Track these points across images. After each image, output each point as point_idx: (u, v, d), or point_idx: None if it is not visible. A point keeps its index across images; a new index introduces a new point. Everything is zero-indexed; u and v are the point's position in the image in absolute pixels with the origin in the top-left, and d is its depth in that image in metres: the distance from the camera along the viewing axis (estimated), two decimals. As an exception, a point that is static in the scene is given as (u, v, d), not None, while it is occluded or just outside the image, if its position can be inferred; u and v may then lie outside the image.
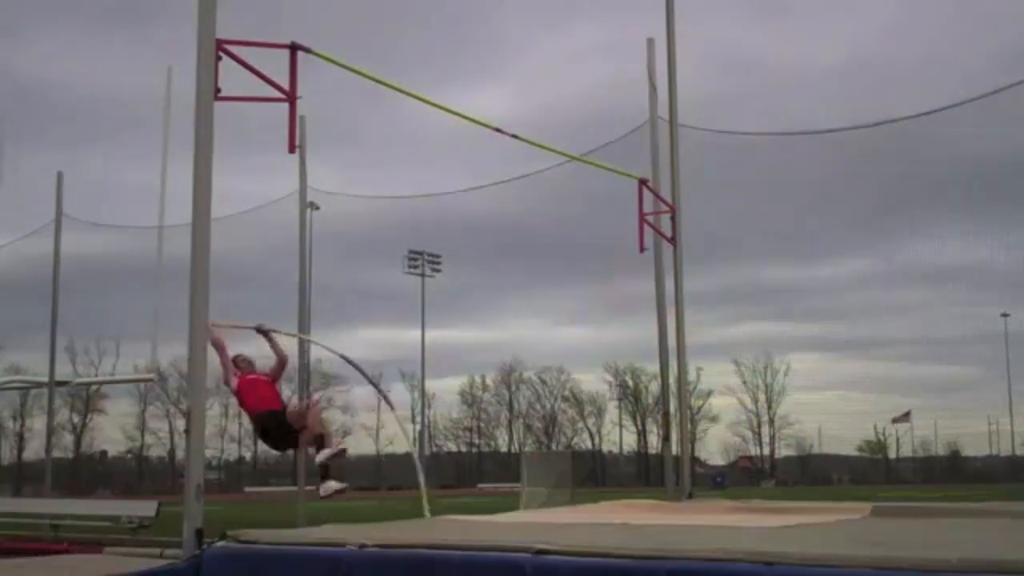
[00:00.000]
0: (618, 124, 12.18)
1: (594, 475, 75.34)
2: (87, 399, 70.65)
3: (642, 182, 10.72)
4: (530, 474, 23.79)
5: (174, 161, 17.35)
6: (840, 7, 75.93)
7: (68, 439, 71.36)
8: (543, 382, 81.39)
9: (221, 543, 5.59)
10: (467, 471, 79.53)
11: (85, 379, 57.10)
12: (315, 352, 21.06)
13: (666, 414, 11.76)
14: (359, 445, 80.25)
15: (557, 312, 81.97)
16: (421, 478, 8.74)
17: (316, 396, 7.75)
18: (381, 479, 75.68)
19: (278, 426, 7.70)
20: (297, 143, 7.06)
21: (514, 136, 8.66)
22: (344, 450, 7.94)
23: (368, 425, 78.97)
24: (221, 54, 6.29)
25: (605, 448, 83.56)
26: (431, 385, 72.64)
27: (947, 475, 70.76)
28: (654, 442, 75.65)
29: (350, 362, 9.59)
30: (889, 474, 78.36)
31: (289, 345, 9.20)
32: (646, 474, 74.48)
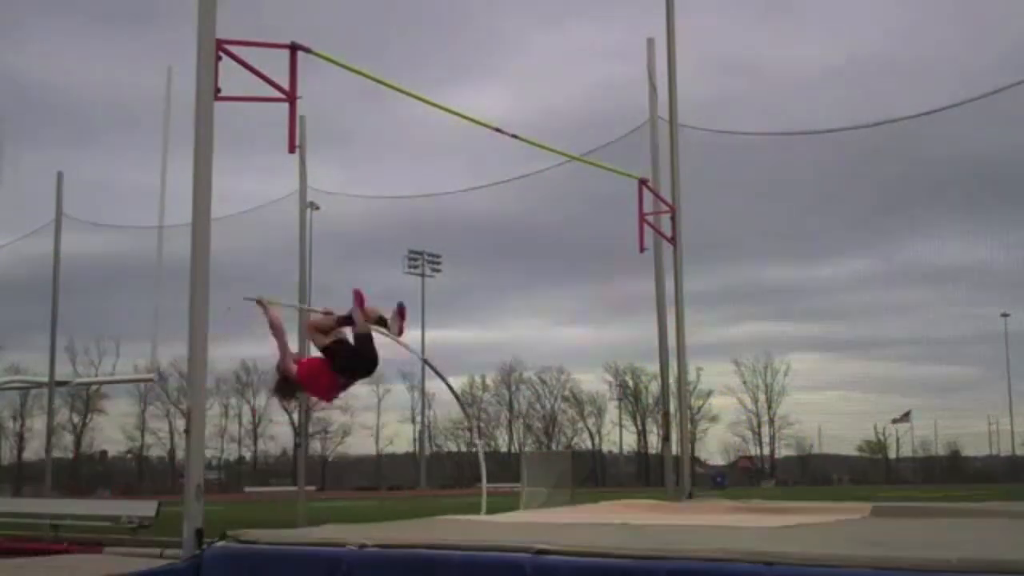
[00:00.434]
0: (618, 124, 12.20)
1: (594, 475, 75.33)
2: (87, 399, 70.64)
3: (642, 182, 10.72)
4: (530, 474, 23.80)
5: (174, 161, 17.37)
6: (840, 7, 75.93)
7: (68, 439, 71.36)
8: (543, 382, 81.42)
9: (221, 543, 5.60)
10: (467, 471, 79.57)
11: (85, 379, 57.09)
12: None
13: (666, 414, 11.76)
14: (359, 445, 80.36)
15: (557, 312, 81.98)
16: (483, 474, 8.78)
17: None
18: (381, 479, 75.71)
19: (352, 369, 7.41)
20: (297, 143, 7.06)
21: (514, 136, 8.66)
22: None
23: (368, 425, 79.04)
24: (221, 54, 6.29)
25: (605, 448, 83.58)
26: (431, 385, 72.62)
27: (947, 475, 70.75)
28: (654, 442, 75.66)
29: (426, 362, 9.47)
30: (889, 474, 78.35)
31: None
32: (646, 474, 74.48)
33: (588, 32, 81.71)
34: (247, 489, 65.40)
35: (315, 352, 7.58)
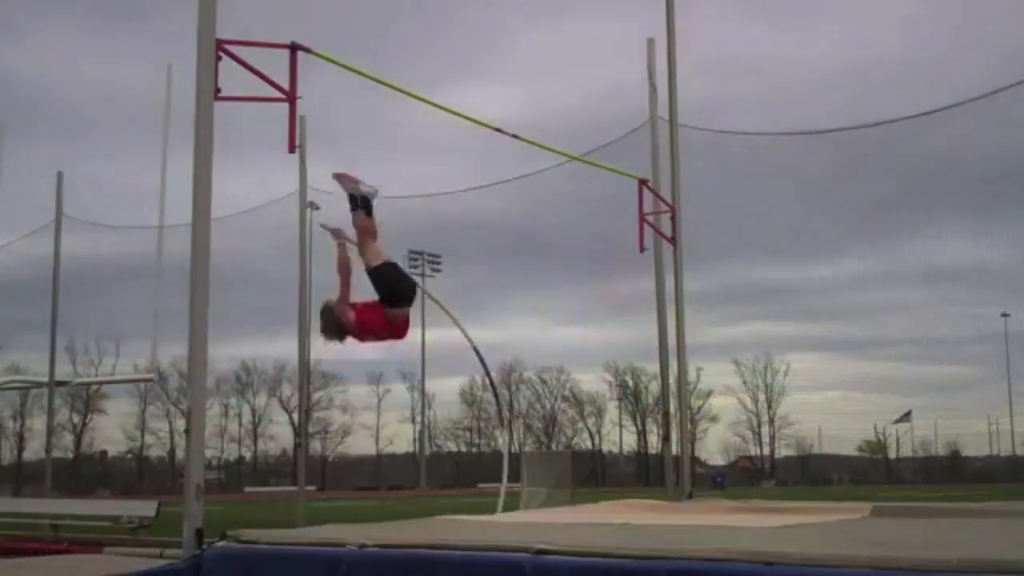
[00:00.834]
0: (618, 124, 12.20)
1: (594, 475, 75.34)
2: (87, 399, 70.68)
3: (642, 182, 10.72)
4: (530, 474, 23.79)
5: (174, 161, 17.37)
6: (841, 7, 75.96)
7: (68, 439, 71.41)
8: (543, 382, 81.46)
9: (221, 543, 5.59)
10: (467, 471, 79.56)
11: (85, 379, 57.13)
12: (314, 352, 21.04)
13: (666, 414, 11.76)
14: (359, 445, 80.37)
15: (557, 312, 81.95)
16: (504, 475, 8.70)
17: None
18: (381, 479, 75.72)
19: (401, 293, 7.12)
20: (297, 143, 7.06)
21: (514, 136, 8.65)
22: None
23: (368, 425, 79.05)
24: (221, 54, 6.29)
25: (605, 448, 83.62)
26: (431, 385, 72.70)
27: (947, 475, 70.77)
28: (654, 442, 75.69)
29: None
30: (889, 474, 78.38)
31: None
32: (646, 474, 74.50)
33: (588, 32, 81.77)
34: (247, 489, 65.42)
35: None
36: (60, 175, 19.96)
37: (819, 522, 6.56)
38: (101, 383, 63.77)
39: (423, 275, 55.74)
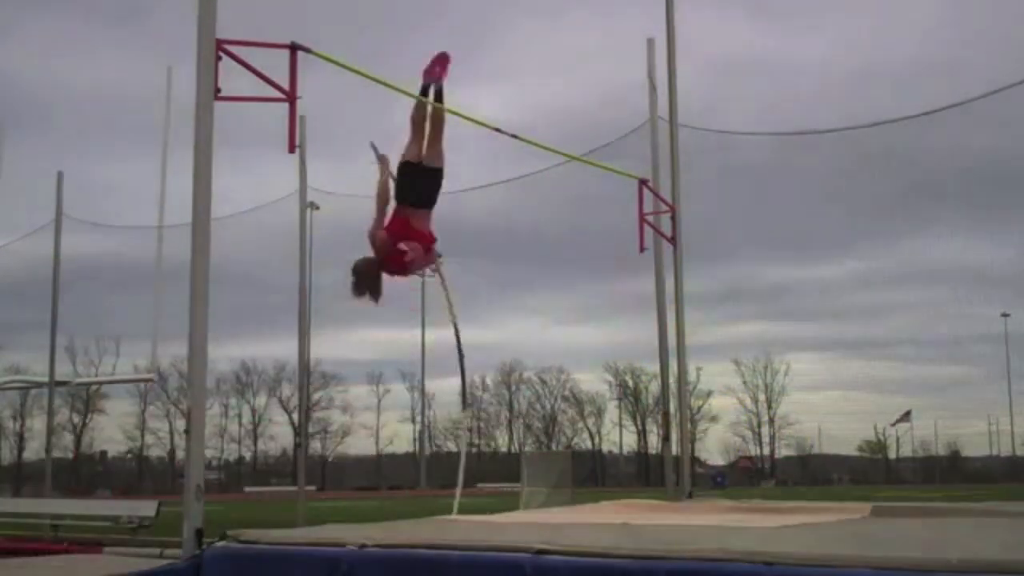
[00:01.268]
0: (618, 124, 12.20)
1: (594, 475, 75.38)
2: (87, 399, 70.71)
3: (642, 182, 10.72)
4: (530, 474, 23.79)
5: (174, 161, 17.37)
6: (841, 7, 75.91)
7: (68, 439, 71.43)
8: (543, 382, 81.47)
9: (221, 543, 5.59)
10: (467, 471, 79.50)
11: (85, 379, 57.19)
12: (314, 352, 21.07)
13: (666, 414, 11.76)
14: (359, 445, 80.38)
15: (557, 312, 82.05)
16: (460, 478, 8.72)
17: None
18: (381, 479, 75.70)
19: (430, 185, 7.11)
20: (297, 143, 7.05)
21: (514, 136, 8.64)
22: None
23: (368, 425, 79.05)
24: (221, 54, 6.29)
25: (605, 448, 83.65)
26: (431, 385, 72.70)
27: (947, 475, 70.82)
28: (654, 442, 75.71)
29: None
30: (889, 474, 78.43)
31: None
32: (646, 474, 74.51)
33: (588, 32, 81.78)
34: (247, 489, 65.42)
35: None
36: (60, 175, 19.97)
37: (819, 522, 6.56)
38: (101, 383, 63.83)
39: (423, 275, 55.70)
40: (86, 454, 75.13)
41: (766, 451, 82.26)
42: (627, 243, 10.75)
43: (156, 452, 77.39)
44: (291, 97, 6.55)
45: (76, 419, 72.12)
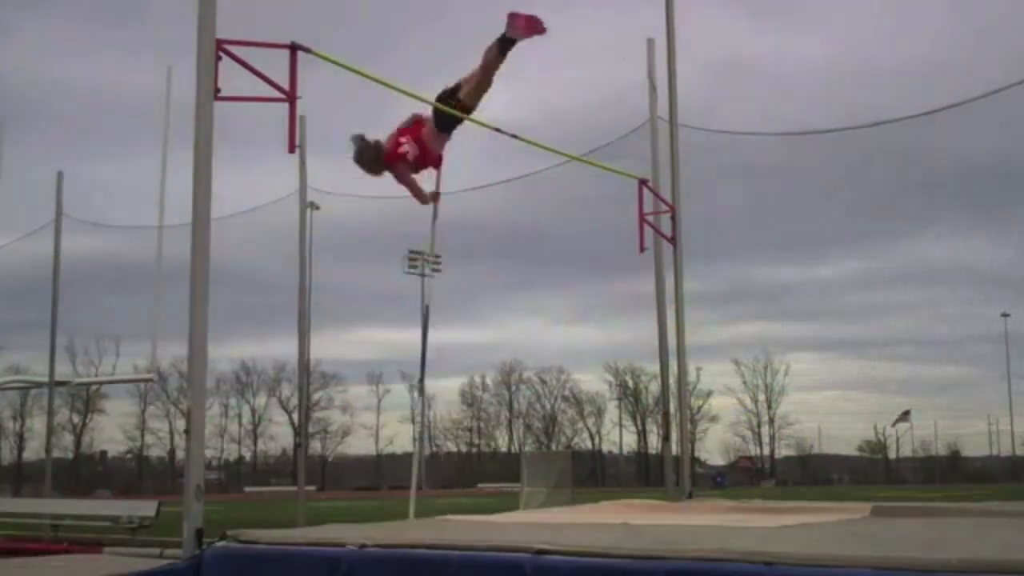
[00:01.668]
0: (618, 124, 12.19)
1: (594, 475, 75.41)
2: (87, 399, 70.76)
3: (642, 182, 10.72)
4: (530, 474, 23.80)
5: (174, 161, 17.37)
6: (841, 7, 75.95)
7: (68, 439, 71.51)
8: (543, 382, 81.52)
9: (221, 543, 5.59)
10: (467, 471, 79.57)
11: (85, 379, 57.21)
12: (314, 352, 21.09)
13: (666, 414, 11.75)
14: (359, 445, 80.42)
15: (557, 312, 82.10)
16: (413, 480, 8.67)
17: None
18: (381, 479, 75.71)
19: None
20: (297, 143, 7.06)
21: (514, 136, 8.63)
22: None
23: (368, 425, 79.07)
24: (221, 54, 6.29)
25: (605, 448, 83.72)
26: (431, 385, 72.65)
27: (947, 475, 70.85)
28: (654, 442, 75.80)
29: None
30: (889, 474, 78.46)
31: None
32: (646, 474, 74.54)
33: (588, 32, 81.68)
34: (247, 489, 65.47)
35: None
36: (60, 175, 19.96)
37: (819, 522, 6.56)
38: (101, 383, 63.85)
39: (423, 275, 55.77)
40: (86, 454, 75.18)
41: (766, 451, 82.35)
42: (627, 243, 10.75)
43: (156, 452, 77.52)
44: (291, 97, 6.55)
45: (76, 419, 72.21)
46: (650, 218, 10.81)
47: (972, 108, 10.60)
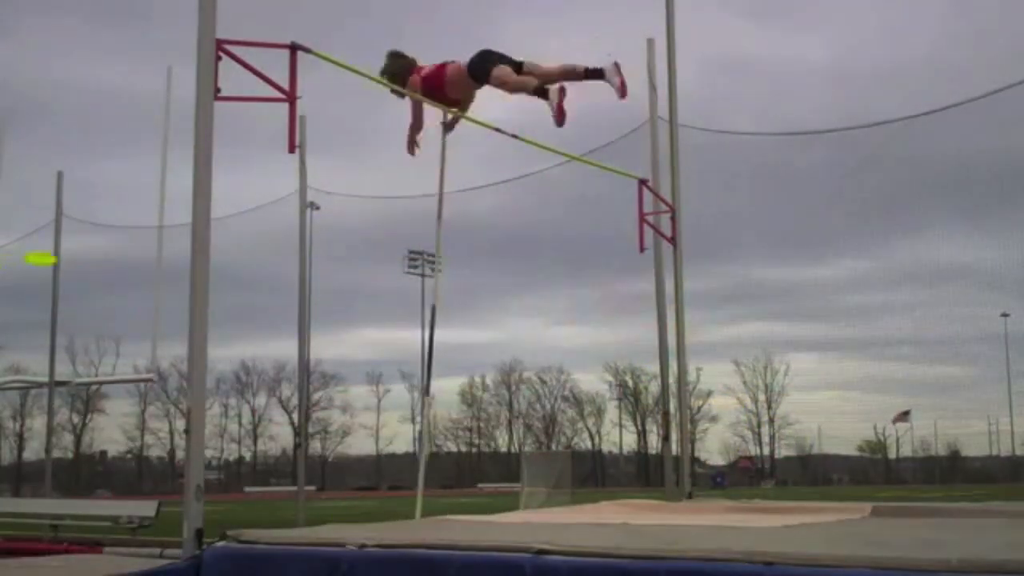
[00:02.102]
0: (618, 124, 12.18)
1: (594, 475, 75.43)
2: (87, 399, 70.75)
3: (642, 182, 10.72)
4: (530, 474, 23.81)
5: (174, 161, 17.37)
6: (841, 8, 75.98)
7: (68, 439, 71.50)
8: (543, 382, 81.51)
9: (221, 543, 5.59)
10: (467, 471, 79.58)
11: (85, 379, 57.23)
12: (314, 352, 21.11)
13: (666, 414, 11.75)
14: (359, 445, 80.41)
15: (557, 312, 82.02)
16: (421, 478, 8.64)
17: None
18: (381, 479, 75.73)
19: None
20: (297, 143, 7.06)
21: (514, 136, 8.64)
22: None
23: (368, 425, 79.07)
24: (221, 54, 6.29)
25: (605, 448, 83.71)
26: (431, 385, 72.64)
27: (947, 475, 70.80)
28: (654, 442, 75.80)
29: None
30: (889, 474, 78.43)
31: None
32: (646, 474, 74.54)
33: (587, 32, 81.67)
34: (247, 489, 65.48)
35: None
36: (60, 175, 19.95)
37: (819, 522, 6.56)
38: (101, 383, 63.86)
39: (423, 275, 55.81)
40: (86, 454, 75.16)
41: (766, 451, 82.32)
42: (627, 243, 10.75)
43: (156, 452, 77.52)
44: (291, 97, 6.55)
45: (76, 419, 72.20)
46: (650, 218, 10.81)
47: (973, 108, 10.60)
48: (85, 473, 72.53)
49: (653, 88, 11.44)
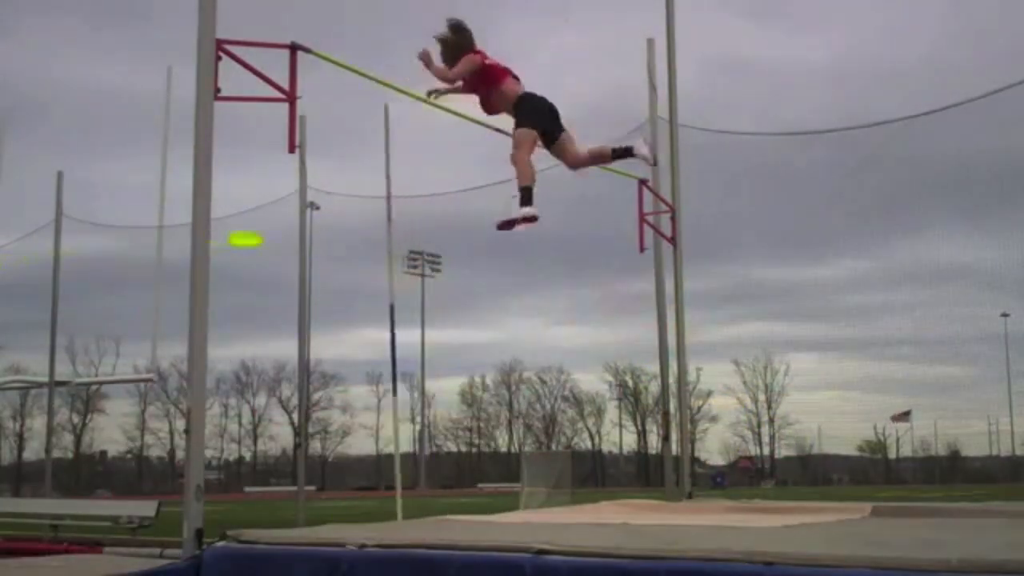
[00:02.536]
0: (618, 124, 12.18)
1: (594, 475, 75.40)
2: (87, 399, 70.70)
3: (642, 182, 10.72)
4: (530, 474, 23.80)
5: (174, 161, 17.35)
6: (841, 8, 75.97)
7: (68, 439, 71.43)
8: (543, 382, 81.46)
9: (221, 543, 5.59)
10: (467, 471, 79.55)
11: (85, 379, 57.21)
12: (314, 352, 21.14)
13: (666, 414, 11.75)
14: (359, 445, 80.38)
15: (557, 312, 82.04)
16: (398, 479, 8.63)
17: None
18: (381, 479, 75.71)
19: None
20: (297, 143, 7.06)
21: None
22: None
23: (368, 425, 79.03)
24: (221, 54, 6.29)
25: (605, 448, 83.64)
26: (431, 385, 72.69)
27: (947, 475, 70.77)
28: (654, 442, 75.74)
29: None
30: (889, 474, 78.38)
31: None
32: (646, 474, 74.51)
33: (587, 32, 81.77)
34: (247, 489, 65.45)
35: None
36: (60, 175, 19.93)
37: (819, 522, 6.56)
38: (101, 383, 63.85)
39: (423, 275, 55.84)
40: (86, 454, 75.11)
41: (766, 451, 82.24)
42: (627, 243, 10.74)
43: (156, 452, 77.45)
44: (291, 97, 6.56)
45: (76, 419, 72.14)
46: (650, 218, 10.81)
47: (973, 108, 10.60)
48: (85, 473, 72.48)
49: (653, 88, 11.44)
